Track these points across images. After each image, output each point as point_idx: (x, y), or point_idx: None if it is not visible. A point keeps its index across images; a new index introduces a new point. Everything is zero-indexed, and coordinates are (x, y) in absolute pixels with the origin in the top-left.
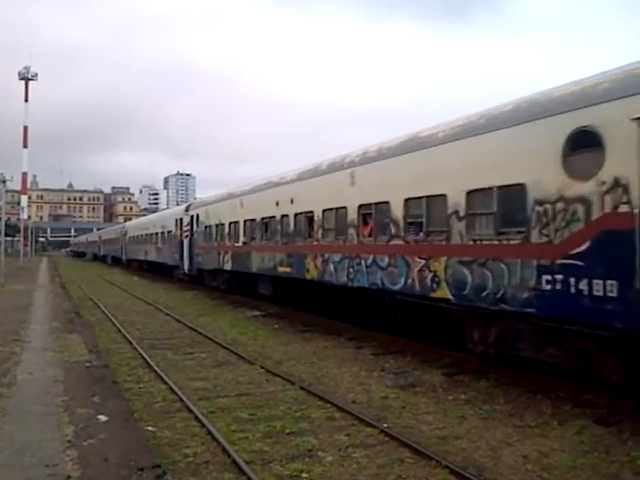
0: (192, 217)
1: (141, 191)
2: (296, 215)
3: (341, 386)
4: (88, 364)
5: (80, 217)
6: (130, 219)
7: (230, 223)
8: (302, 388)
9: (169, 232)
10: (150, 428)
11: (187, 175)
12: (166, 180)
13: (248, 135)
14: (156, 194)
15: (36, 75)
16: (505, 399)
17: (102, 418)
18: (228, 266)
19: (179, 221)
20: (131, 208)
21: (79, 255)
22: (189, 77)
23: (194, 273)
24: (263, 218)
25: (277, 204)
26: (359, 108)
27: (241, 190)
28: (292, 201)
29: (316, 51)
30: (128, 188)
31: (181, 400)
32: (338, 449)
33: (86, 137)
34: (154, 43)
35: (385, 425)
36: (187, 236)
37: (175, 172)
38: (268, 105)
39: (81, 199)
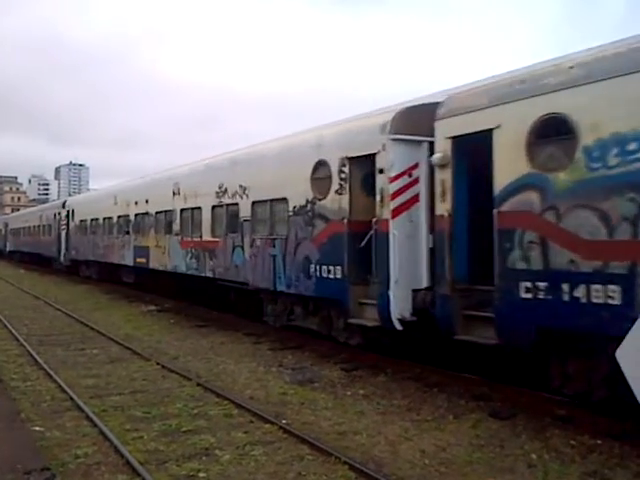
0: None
1: (30, 181)
2: None
3: (239, 382)
4: None
5: None
6: (18, 210)
7: None
8: (199, 384)
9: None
10: (38, 428)
11: (80, 165)
12: (57, 170)
13: (141, 120)
14: (46, 184)
15: None
16: (402, 394)
17: None
18: None
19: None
20: (19, 198)
21: None
22: (69, 56)
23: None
24: None
25: None
26: (260, 94)
27: None
28: None
29: (210, 32)
30: (16, 177)
31: (71, 399)
32: (236, 447)
33: None
34: (24, 14)
35: (284, 421)
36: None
37: (67, 162)
38: (161, 88)
39: None
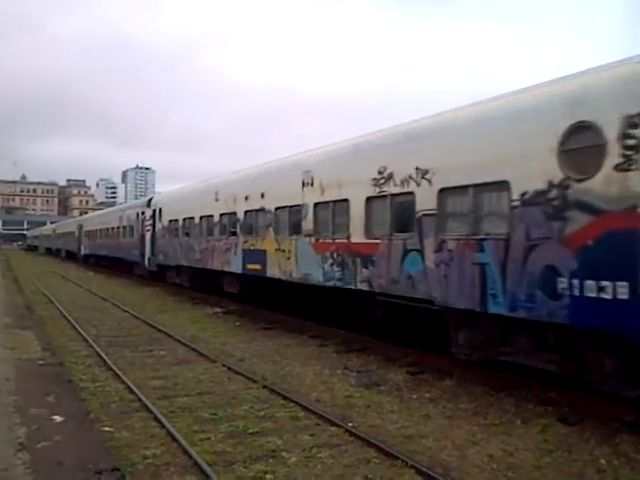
0: None
1: (98, 184)
2: None
3: (304, 385)
4: (42, 362)
5: (33, 210)
6: (86, 213)
7: None
8: (265, 387)
9: None
10: (107, 429)
11: (147, 169)
12: (124, 174)
13: (204, 122)
14: (114, 188)
15: None
16: (469, 398)
17: (57, 419)
18: None
19: None
20: (87, 202)
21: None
22: (133, 58)
23: None
24: None
25: None
26: (324, 96)
27: None
28: None
29: (275, 33)
30: (84, 181)
31: (139, 399)
32: (303, 449)
33: (37, 124)
34: (89, 15)
35: (350, 424)
36: None
37: (134, 165)
38: (225, 90)
39: (35, 191)
